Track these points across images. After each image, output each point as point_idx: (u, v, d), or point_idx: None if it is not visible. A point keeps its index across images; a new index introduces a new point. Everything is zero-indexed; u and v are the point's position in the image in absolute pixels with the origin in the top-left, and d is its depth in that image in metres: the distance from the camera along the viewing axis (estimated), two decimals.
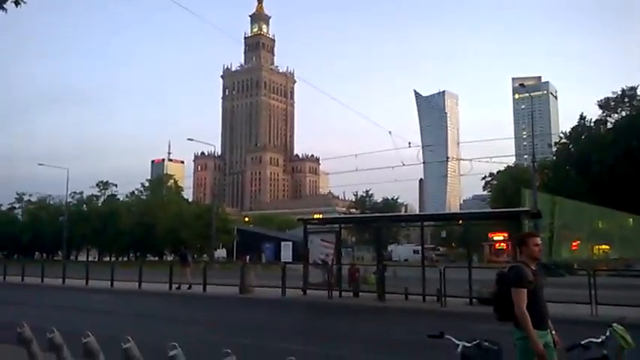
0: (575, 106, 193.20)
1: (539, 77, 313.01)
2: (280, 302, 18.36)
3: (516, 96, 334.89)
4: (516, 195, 50.56)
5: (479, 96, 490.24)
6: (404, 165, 38.41)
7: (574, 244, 42.45)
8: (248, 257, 67.05)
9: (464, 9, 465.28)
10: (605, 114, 52.33)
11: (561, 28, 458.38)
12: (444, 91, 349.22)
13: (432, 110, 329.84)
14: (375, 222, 18.69)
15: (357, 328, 13.36)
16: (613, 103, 51.78)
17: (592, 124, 53.18)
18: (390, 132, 32.60)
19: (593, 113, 54.10)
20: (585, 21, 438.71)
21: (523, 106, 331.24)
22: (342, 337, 11.67)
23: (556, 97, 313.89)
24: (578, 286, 15.26)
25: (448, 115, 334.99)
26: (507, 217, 16.21)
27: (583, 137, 52.65)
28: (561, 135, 54.81)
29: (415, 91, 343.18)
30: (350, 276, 18.18)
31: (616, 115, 52.18)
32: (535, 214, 15.19)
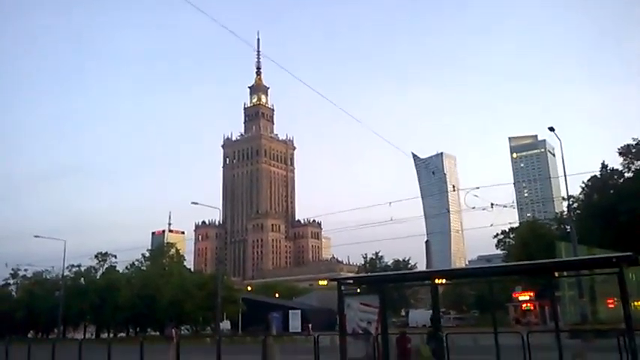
0: (574, 161, 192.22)
1: (536, 136, 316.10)
2: None
3: (514, 155, 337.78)
4: (540, 251, 47.55)
5: (477, 156, 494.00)
6: (447, 212, 35.46)
7: (610, 301, 39.19)
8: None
9: (456, 69, 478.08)
10: (626, 161, 50.25)
11: (558, 85, 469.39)
12: (441, 153, 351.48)
13: (431, 172, 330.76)
14: (428, 279, 15.65)
15: None
16: (634, 150, 49.77)
17: (608, 172, 51.24)
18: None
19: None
20: (581, 78, 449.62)
21: (522, 165, 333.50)
22: None
23: (554, 155, 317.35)
24: None
25: (447, 175, 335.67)
26: (603, 265, 13.39)
27: (605, 187, 50.52)
28: (582, 185, 52.54)
29: (413, 153, 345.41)
30: (399, 348, 14.87)
31: (638, 163, 50.08)
32: (634, 261, 12.34)
